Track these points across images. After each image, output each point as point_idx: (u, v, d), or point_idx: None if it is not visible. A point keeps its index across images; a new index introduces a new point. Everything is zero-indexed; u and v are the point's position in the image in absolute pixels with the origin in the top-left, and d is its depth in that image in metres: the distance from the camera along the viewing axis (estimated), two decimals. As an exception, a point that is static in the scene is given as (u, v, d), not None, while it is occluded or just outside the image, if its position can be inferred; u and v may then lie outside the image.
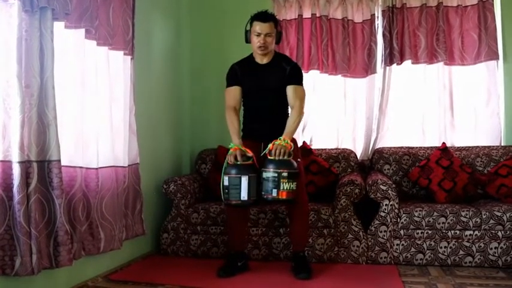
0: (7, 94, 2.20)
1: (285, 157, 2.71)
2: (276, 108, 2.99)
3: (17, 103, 2.17)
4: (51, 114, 2.34)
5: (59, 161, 2.37)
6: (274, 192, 2.68)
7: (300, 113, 2.92)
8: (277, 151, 2.71)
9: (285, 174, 2.67)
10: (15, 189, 2.17)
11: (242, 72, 3.01)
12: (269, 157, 2.74)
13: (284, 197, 2.70)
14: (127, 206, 3.08)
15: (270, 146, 2.77)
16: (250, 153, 2.81)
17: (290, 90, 2.94)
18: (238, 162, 2.77)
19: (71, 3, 2.45)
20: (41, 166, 2.32)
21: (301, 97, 2.94)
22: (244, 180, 2.72)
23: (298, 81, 2.98)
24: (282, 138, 2.77)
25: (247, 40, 2.98)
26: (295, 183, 2.71)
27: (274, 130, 2.91)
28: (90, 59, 2.74)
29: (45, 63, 2.32)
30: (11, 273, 2.17)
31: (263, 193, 2.73)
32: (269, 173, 2.69)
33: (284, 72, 2.94)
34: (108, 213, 2.84)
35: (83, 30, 2.64)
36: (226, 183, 2.76)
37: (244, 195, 2.72)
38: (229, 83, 3.04)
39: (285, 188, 2.67)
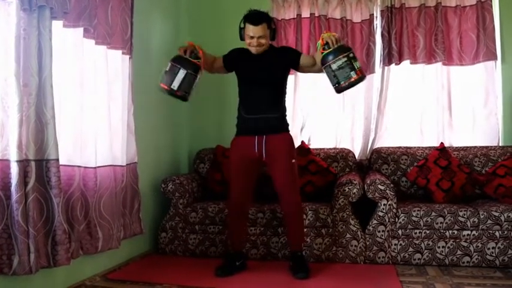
0: (5, 93, 2.19)
1: (340, 42, 2.79)
2: (272, 99, 2.98)
3: (15, 102, 2.17)
4: (50, 113, 2.34)
5: (57, 160, 2.37)
6: (354, 74, 2.71)
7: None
8: (332, 40, 2.76)
9: (351, 54, 2.73)
10: (13, 188, 2.17)
11: (241, 58, 3.04)
12: (327, 49, 2.76)
13: (362, 74, 2.75)
14: (125, 205, 3.08)
15: (319, 42, 2.83)
16: (200, 53, 2.88)
17: (303, 57, 3.04)
18: (185, 56, 2.84)
19: (69, 2, 2.45)
20: (39, 165, 2.32)
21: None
22: (182, 73, 2.78)
23: (299, 53, 3.12)
24: (323, 35, 2.84)
25: (242, 38, 2.98)
26: (358, 60, 2.79)
27: (270, 121, 2.92)
28: (88, 58, 2.74)
29: (43, 62, 2.31)
30: (9, 273, 2.17)
31: (343, 82, 2.75)
32: (340, 61, 2.72)
33: (283, 57, 3.01)
34: (106, 212, 2.84)
35: (81, 29, 2.64)
36: (167, 68, 2.84)
37: (175, 84, 2.79)
38: (224, 56, 3.11)
39: (358, 66, 2.74)
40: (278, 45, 3.91)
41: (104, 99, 2.87)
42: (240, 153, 2.99)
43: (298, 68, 3.05)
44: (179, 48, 2.90)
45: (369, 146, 4.06)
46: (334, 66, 2.73)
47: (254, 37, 2.86)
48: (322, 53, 2.78)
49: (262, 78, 2.95)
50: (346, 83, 2.74)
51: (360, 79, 2.76)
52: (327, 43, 2.77)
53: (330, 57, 2.74)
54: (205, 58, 2.97)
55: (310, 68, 3.02)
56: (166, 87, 2.81)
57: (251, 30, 2.86)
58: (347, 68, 2.71)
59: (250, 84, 3.00)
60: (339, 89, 2.80)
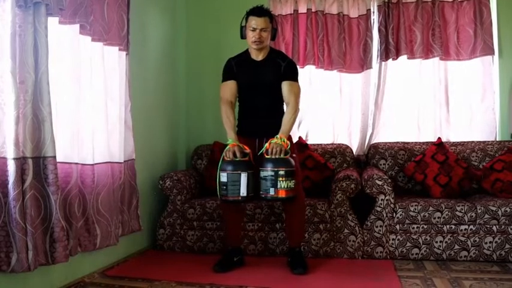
0: (1, 90, 2.18)
1: (282, 155, 2.70)
2: (271, 105, 2.99)
3: (11, 99, 2.16)
4: (46, 110, 2.33)
5: (54, 157, 2.36)
6: (272, 191, 2.67)
7: (296, 110, 2.91)
8: (274, 150, 2.71)
9: (281, 172, 2.66)
10: (10, 185, 2.16)
11: (238, 67, 3.01)
12: (266, 156, 2.74)
13: (283, 196, 2.69)
14: (123, 202, 3.08)
15: (266, 145, 2.77)
16: (247, 150, 2.80)
17: (285, 86, 2.94)
18: (237, 159, 2.75)
19: (65, -2, 2.44)
20: (36, 162, 2.31)
21: (296, 93, 2.94)
22: (244, 177, 2.70)
23: (293, 77, 2.97)
24: (278, 136, 2.77)
25: (243, 36, 2.97)
26: (293, 181, 2.71)
27: (269, 127, 2.92)
28: (84, 55, 2.73)
29: (39, 59, 2.30)
30: (7, 270, 2.16)
31: (261, 192, 2.73)
32: (266, 172, 2.69)
33: (279, 68, 2.94)
34: (104, 209, 2.84)
35: (77, 26, 2.63)
36: (224, 179, 2.74)
37: (243, 191, 2.71)
38: (226, 77, 3.03)
39: (283, 186, 2.67)
40: (276, 42, 3.92)
41: (100, 96, 2.86)
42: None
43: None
44: (226, 152, 2.78)
45: (366, 142, 4.07)
46: (261, 174, 2.72)
47: (256, 29, 2.85)
48: (264, 154, 2.76)
49: (261, 85, 2.95)
50: (263, 195, 2.72)
51: (278, 199, 2.72)
52: (272, 149, 2.72)
53: (263, 163, 2.72)
54: (234, 132, 2.90)
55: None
56: (234, 198, 2.73)
57: (254, 22, 2.85)
58: (269, 182, 2.67)
59: (249, 90, 3.00)
60: (262, 198, 2.76)
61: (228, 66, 3.04)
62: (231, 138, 2.84)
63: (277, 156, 2.70)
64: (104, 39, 2.85)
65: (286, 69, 2.95)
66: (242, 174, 2.70)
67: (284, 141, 2.75)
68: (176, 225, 3.47)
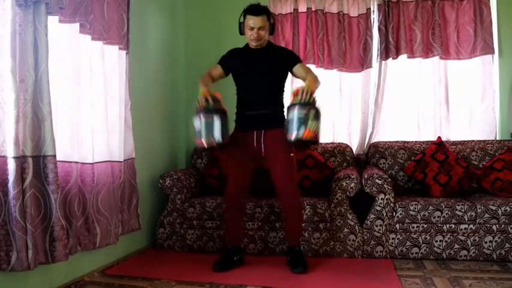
0: (1, 89, 2.18)
1: (310, 99, 2.72)
2: (270, 95, 2.98)
3: (11, 98, 2.16)
4: (46, 109, 2.33)
5: (54, 156, 2.36)
6: (301, 131, 2.67)
7: (317, 78, 2.93)
8: (304, 93, 2.71)
9: (313, 111, 2.68)
10: (10, 184, 2.16)
11: (234, 59, 3.04)
12: (295, 98, 2.73)
13: (311, 135, 2.69)
14: (123, 201, 3.08)
15: (294, 90, 2.79)
16: (219, 97, 2.83)
17: (298, 68, 2.99)
18: (210, 105, 2.76)
19: (65, -3, 2.43)
20: (36, 161, 2.31)
21: (310, 69, 3.03)
22: (217, 120, 2.72)
23: (299, 59, 3.05)
24: (305, 84, 2.81)
25: (241, 32, 2.98)
26: (319, 124, 2.72)
27: (268, 117, 2.93)
28: (84, 54, 2.73)
29: (39, 58, 2.30)
30: (7, 269, 2.16)
31: (289, 133, 2.72)
32: (296, 112, 2.68)
33: (281, 55, 2.99)
34: (104, 208, 2.84)
35: (77, 25, 2.63)
36: (198, 125, 2.75)
37: (217, 135, 2.72)
38: (219, 61, 3.09)
39: (312, 126, 2.67)
40: (275, 41, 3.93)
41: (100, 94, 2.86)
42: (239, 148, 2.99)
43: (292, 73, 3.05)
44: (198, 101, 2.78)
45: (366, 141, 4.07)
46: (290, 115, 2.72)
47: (254, 28, 2.87)
48: (291, 99, 2.76)
49: (259, 73, 2.95)
50: (293, 137, 2.71)
51: (308, 140, 2.73)
52: (300, 93, 2.72)
53: (292, 106, 2.72)
54: (210, 83, 2.96)
55: (301, 79, 3.02)
56: (211, 143, 2.74)
57: (251, 21, 2.86)
58: (299, 122, 2.67)
59: (246, 80, 3.00)
60: (287, 140, 2.77)
61: (226, 54, 3.10)
62: (201, 89, 2.85)
63: (306, 99, 2.70)
64: (103, 38, 2.85)
65: (291, 55, 3.04)
66: (215, 117, 2.72)
67: (311, 86, 2.77)
68: (176, 224, 3.47)
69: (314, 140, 2.74)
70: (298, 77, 3.04)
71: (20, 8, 2.20)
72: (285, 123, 2.78)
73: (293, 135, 2.69)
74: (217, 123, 2.71)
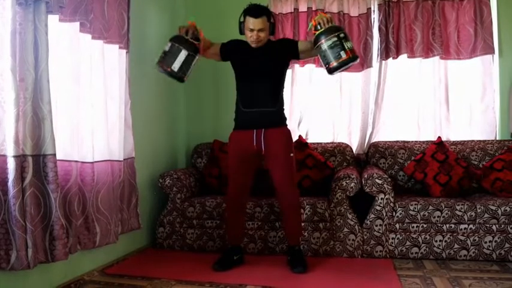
0: (1, 88, 2.18)
1: (332, 23, 2.78)
2: (270, 92, 2.97)
3: (11, 97, 2.16)
4: (46, 108, 2.33)
5: (54, 155, 2.36)
6: (343, 54, 2.70)
7: None
8: (323, 21, 2.76)
9: (342, 34, 2.73)
10: (10, 183, 2.16)
11: (236, 49, 3.04)
12: (317, 31, 2.77)
13: (352, 54, 2.72)
14: (123, 200, 3.08)
15: (311, 23, 2.83)
16: (201, 36, 2.87)
17: (301, 43, 3.02)
18: (187, 37, 2.81)
19: (65, -4, 2.43)
20: (36, 160, 2.31)
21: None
22: (183, 54, 2.77)
23: (296, 40, 3.13)
24: (318, 15, 2.84)
25: (241, 32, 2.98)
26: (350, 41, 2.77)
27: (268, 115, 2.92)
28: (85, 53, 2.73)
29: (39, 57, 2.30)
30: (7, 268, 2.16)
31: (332, 62, 2.74)
32: (329, 41, 2.72)
33: (281, 47, 3.01)
34: (104, 207, 2.84)
35: (77, 24, 2.63)
36: (166, 48, 2.80)
37: (176, 66, 2.77)
38: (222, 44, 3.11)
39: (349, 46, 2.72)
40: (275, 39, 3.92)
41: (100, 94, 2.86)
42: (239, 147, 2.99)
43: (299, 56, 3.04)
44: (180, 27, 2.87)
45: (366, 140, 4.07)
46: (323, 46, 2.74)
47: (254, 30, 2.86)
48: (314, 34, 2.80)
49: (260, 71, 2.95)
50: (336, 63, 2.73)
51: (351, 59, 2.74)
52: (319, 23, 2.78)
53: (321, 38, 2.75)
54: (205, 40, 3.00)
55: (310, 52, 3.01)
56: (166, 68, 2.79)
57: (251, 22, 2.85)
58: (337, 48, 2.71)
59: (247, 77, 2.99)
60: (330, 69, 2.78)
61: (229, 43, 3.11)
62: (193, 19, 2.93)
63: (329, 25, 2.75)
64: (104, 37, 2.85)
65: (289, 41, 3.10)
66: (183, 51, 2.77)
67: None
68: (176, 224, 3.47)
69: (355, 57, 2.76)
70: (306, 52, 3.00)
71: (20, 6, 2.20)
72: (320, 53, 2.78)
73: (335, 62, 2.72)
74: (182, 55, 2.76)
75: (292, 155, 2.97)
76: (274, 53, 2.96)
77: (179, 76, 2.82)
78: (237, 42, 3.07)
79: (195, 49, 2.83)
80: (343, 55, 2.70)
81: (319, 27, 2.78)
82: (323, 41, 2.73)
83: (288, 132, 3.02)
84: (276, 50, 2.98)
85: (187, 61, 2.79)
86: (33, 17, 2.26)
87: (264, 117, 2.94)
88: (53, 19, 2.43)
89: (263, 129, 2.93)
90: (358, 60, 2.82)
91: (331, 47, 2.72)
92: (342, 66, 2.75)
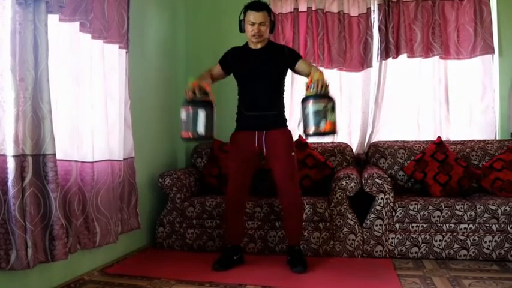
0: (1, 88, 2.18)
1: (325, 90, 2.70)
2: (271, 96, 2.98)
3: (11, 97, 2.15)
4: (46, 108, 2.32)
5: (54, 154, 2.36)
6: (323, 124, 2.65)
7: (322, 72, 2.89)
8: (319, 84, 2.68)
9: (330, 105, 2.67)
10: (10, 183, 2.16)
11: (235, 60, 3.03)
12: (308, 92, 2.71)
13: (331, 128, 2.68)
14: (122, 200, 3.08)
15: (307, 81, 2.77)
16: (208, 89, 2.82)
17: (301, 64, 2.97)
18: (197, 97, 2.77)
19: (65, -5, 2.43)
20: (36, 160, 2.31)
21: (312, 64, 3.00)
22: (202, 114, 2.72)
23: (300, 56, 3.04)
24: (315, 73, 2.73)
25: (241, 29, 2.98)
26: (336, 114, 2.71)
27: (269, 118, 2.92)
28: (84, 53, 2.72)
29: (39, 57, 2.30)
30: (6, 267, 2.16)
31: (308, 128, 2.70)
32: (313, 106, 2.66)
33: (281, 54, 2.97)
34: (104, 207, 2.84)
35: (77, 23, 2.63)
36: (184, 117, 2.76)
37: (201, 129, 2.72)
38: (220, 61, 3.09)
39: (331, 119, 2.67)
40: (275, 40, 3.92)
41: (100, 93, 2.86)
42: (240, 148, 3.00)
43: (294, 70, 3.04)
44: (186, 92, 2.79)
45: (366, 140, 4.07)
46: (307, 110, 2.69)
47: (255, 23, 2.86)
48: (306, 92, 2.73)
49: (260, 73, 2.95)
50: (312, 131, 2.69)
51: (328, 132, 2.70)
52: (314, 84, 2.70)
53: (309, 99, 2.70)
54: (207, 81, 2.97)
55: (302, 74, 3.00)
56: (192, 134, 2.74)
57: (252, 16, 2.86)
58: (319, 116, 2.65)
59: (248, 80, 3.00)
60: (306, 134, 2.75)
61: (226, 54, 3.08)
62: (193, 78, 2.85)
63: (321, 91, 2.68)
64: (104, 37, 2.85)
65: (291, 52, 3.03)
66: (200, 111, 2.72)
67: (322, 74, 2.74)
68: (176, 224, 3.47)
69: (333, 131, 2.73)
70: (301, 73, 3.00)
71: (20, 6, 2.20)
72: (303, 113, 2.72)
73: (312, 129, 2.68)
74: (201, 116, 2.72)
75: (293, 154, 2.97)
76: (273, 57, 2.96)
77: (208, 136, 2.77)
78: (233, 50, 3.07)
79: (210, 104, 2.79)
80: (322, 126, 2.65)
81: (312, 87, 2.71)
82: (309, 103, 2.68)
83: (289, 133, 3.03)
84: (276, 54, 2.97)
85: (208, 118, 2.74)
86: (33, 17, 2.26)
87: (265, 120, 2.94)
88: (52, 19, 2.43)
89: (264, 131, 2.94)
90: (336, 134, 2.79)
91: (314, 113, 2.66)
92: (318, 136, 2.74)
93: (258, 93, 2.97)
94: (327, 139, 4.04)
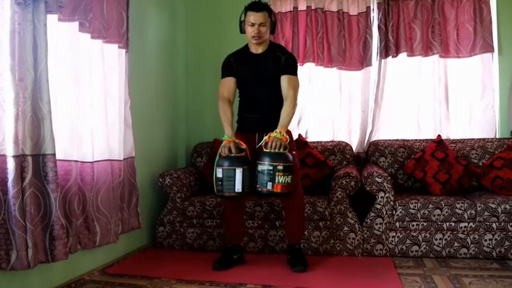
0: (0, 88, 2.17)
1: (281, 150, 2.69)
2: (271, 99, 2.97)
3: (10, 97, 2.15)
4: (46, 108, 2.32)
5: (54, 154, 2.36)
6: (269, 185, 2.66)
7: (294, 104, 2.88)
8: (273, 144, 2.69)
9: (280, 167, 2.65)
10: (9, 183, 2.16)
11: (237, 63, 3.00)
12: (265, 150, 2.72)
13: (279, 190, 2.68)
14: (123, 199, 3.08)
15: (265, 138, 2.76)
16: (243, 146, 2.80)
17: (284, 80, 2.91)
18: (232, 155, 2.75)
19: (64, -5, 2.43)
20: (36, 160, 2.31)
21: (295, 87, 2.91)
22: (239, 172, 2.70)
23: (292, 71, 2.94)
24: (277, 130, 2.76)
25: (242, 30, 2.97)
26: (290, 176, 2.70)
27: (270, 121, 2.91)
28: (84, 52, 2.72)
29: (38, 57, 2.29)
30: (7, 268, 2.16)
31: (258, 186, 2.72)
32: (264, 166, 2.67)
33: (279, 62, 2.93)
34: (104, 206, 2.84)
35: (76, 23, 2.63)
36: (219, 175, 2.73)
37: (238, 187, 2.71)
38: (224, 74, 3.02)
39: (280, 181, 2.65)
40: (275, 40, 3.92)
41: (100, 93, 2.85)
42: None
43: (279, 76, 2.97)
44: (221, 148, 2.77)
45: (366, 139, 4.07)
46: (258, 168, 2.69)
47: (255, 24, 2.85)
48: (263, 148, 2.73)
49: (260, 79, 2.95)
50: (259, 189, 2.70)
51: (276, 194, 2.70)
52: (270, 144, 2.70)
53: (260, 157, 2.70)
54: (230, 110, 2.93)
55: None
56: (230, 193, 2.72)
57: (252, 17, 2.85)
58: (266, 177, 2.65)
59: (249, 84, 2.99)
60: (255, 191, 2.75)
61: (227, 63, 3.03)
62: (227, 135, 2.83)
63: (276, 151, 2.68)
64: (103, 37, 2.84)
65: (286, 63, 2.93)
66: (237, 170, 2.70)
67: (283, 135, 2.74)
68: (176, 223, 3.47)
69: (283, 194, 2.73)
70: (280, 84, 2.94)
71: (19, 6, 2.20)
72: (256, 170, 2.72)
73: (264, 188, 2.68)
74: (238, 175, 2.70)
75: (294, 153, 2.97)
76: (274, 60, 2.94)
77: (244, 194, 2.77)
78: (232, 56, 3.04)
79: (246, 160, 2.78)
80: (269, 186, 2.65)
81: (267, 146, 2.71)
82: (262, 161, 2.68)
83: (289, 132, 3.02)
84: (275, 58, 2.94)
85: (245, 176, 2.73)
86: (32, 17, 2.26)
87: (266, 122, 2.93)
88: (52, 19, 2.43)
89: (265, 133, 2.92)
90: (287, 196, 2.78)
91: (263, 173, 2.67)
92: (265, 195, 2.73)
93: (258, 96, 2.97)
94: (326, 138, 4.06)
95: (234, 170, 2.70)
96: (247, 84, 3.00)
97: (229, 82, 3.00)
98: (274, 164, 2.65)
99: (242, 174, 2.70)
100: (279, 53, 2.97)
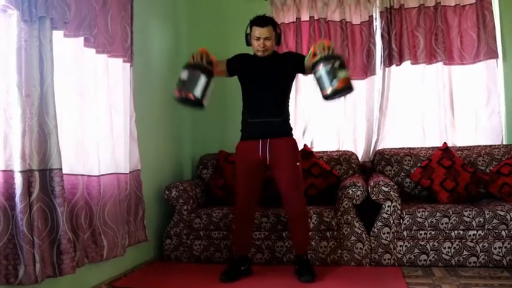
0: (7, 104, 2.20)
1: (330, 51, 2.73)
2: (276, 103, 2.99)
3: (17, 113, 2.18)
4: (52, 123, 2.35)
5: (61, 169, 2.38)
6: (335, 83, 2.67)
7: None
8: (321, 48, 2.74)
9: (337, 63, 2.69)
10: (17, 198, 2.18)
11: (242, 62, 3.06)
12: (315, 58, 2.75)
13: (344, 85, 2.68)
14: (129, 212, 3.08)
15: (311, 51, 2.82)
16: (214, 60, 2.90)
17: (307, 60, 2.95)
18: (202, 63, 2.83)
19: (69, 12, 2.46)
20: (43, 175, 2.33)
21: None
22: (203, 78, 2.78)
23: (303, 56, 3.10)
24: (319, 43, 2.82)
25: (248, 43, 3.01)
26: (348, 70, 2.74)
27: (273, 126, 2.93)
28: (89, 67, 2.75)
29: (44, 72, 2.32)
30: (15, 282, 2.17)
31: (324, 90, 2.72)
32: (322, 69, 2.69)
33: (289, 58, 3.05)
34: (111, 220, 2.84)
35: (81, 39, 2.65)
36: (184, 77, 2.80)
37: (198, 92, 2.78)
38: (228, 59, 3.11)
39: (343, 76, 2.68)
40: (278, 50, 3.93)
41: (105, 107, 2.88)
42: (245, 158, 3.00)
43: (305, 71, 3.04)
44: (192, 54, 2.89)
45: (371, 148, 4.06)
46: (317, 74, 2.73)
47: (260, 38, 2.90)
48: (312, 59, 2.78)
49: (265, 81, 2.97)
50: (329, 91, 2.71)
51: (343, 89, 2.71)
52: (317, 50, 2.76)
53: (316, 65, 2.74)
54: (215, 63, 3.00)
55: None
56: (187, 95, 2.78)
57: (257, 31, 2.91)
58: (330, 76, 2.68)
59: (253, 88, 3.02)
60: (324, 97, 2.77)
61: (235, 56, 3.11)
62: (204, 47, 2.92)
63: (325, 53, 2.71)
64: (108, 51, 2.88)
65: (297, 54, 3.17)
66: (202, 75, 2.79)
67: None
68: (183, 235, 3.47)
69: (348, 87, 2.74)
70: (310, 68, 2.95)
71: (25, 23, 2.23)
72: (315, 79, 2.76)
73: (328, 90, 2.70)
74: (202, 81, 2.78)
75: (298, 164, 2.97)
76: (280, 64, 2.98)
77: (201, 102, 2.82)
78: (241, 55, 3.10)
79: (212, 73, 2.86)
80: (335, 84, 2.67)
81: (318, 54, 2.75)
82: (317, 68, 2.72)
83: (294, 142, 3.03)
84: (282, 62, 3.00)
85: (207, 86, 2.81)
86: (38, 33, 2.29)
87: (270, 127, 2.95)
88: (57, 35, 2.46)
89: (268, 140, 2.94)
90: (353, 90, 2.78)
91: (324, 75, 2.70)
92: (335, 94, 2.73)
93: (263, 99, 2.98)
94: (331, 148, 4.04)
95: (200, 75, 2.78)
96: (252, 88, 3.02)
97: (224, 67, 3.08)
98: (331, 61, 2.69)
99: (206, 82, 2.78)
100: (284, 54, 3.13)
